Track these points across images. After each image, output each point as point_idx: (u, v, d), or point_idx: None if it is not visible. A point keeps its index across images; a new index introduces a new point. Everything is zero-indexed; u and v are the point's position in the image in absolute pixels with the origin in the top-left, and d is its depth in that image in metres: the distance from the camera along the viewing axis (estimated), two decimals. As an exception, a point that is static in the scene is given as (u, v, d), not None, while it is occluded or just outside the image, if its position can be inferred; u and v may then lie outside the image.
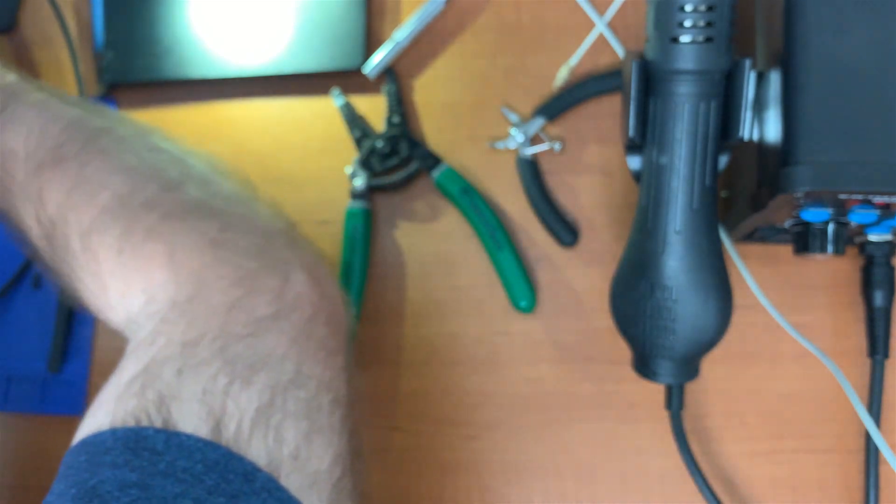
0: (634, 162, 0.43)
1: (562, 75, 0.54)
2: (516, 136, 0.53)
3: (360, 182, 0.54)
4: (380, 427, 0.53)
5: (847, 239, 0.42)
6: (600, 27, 0.52)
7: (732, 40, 0.39)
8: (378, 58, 0.55)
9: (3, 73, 0.41)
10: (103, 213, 0.35)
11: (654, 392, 0.50)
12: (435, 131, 0.56)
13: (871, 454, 0.48)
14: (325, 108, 0.57)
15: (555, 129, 0.54)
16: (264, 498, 0.28)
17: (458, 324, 0.54)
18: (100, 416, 0.30)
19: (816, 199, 0.39)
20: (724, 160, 0.42)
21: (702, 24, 0.38)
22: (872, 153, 0.37)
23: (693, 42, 0.38)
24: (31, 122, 0.38)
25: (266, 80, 0.57)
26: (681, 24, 0.38)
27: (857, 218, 0.41)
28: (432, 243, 0.55)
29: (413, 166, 0.55)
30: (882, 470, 0.48)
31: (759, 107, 0.41)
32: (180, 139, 0.41)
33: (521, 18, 0.56)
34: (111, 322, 0.37)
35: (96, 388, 0.56)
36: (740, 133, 0.40)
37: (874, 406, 0.48)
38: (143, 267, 0.34)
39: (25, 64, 0.60)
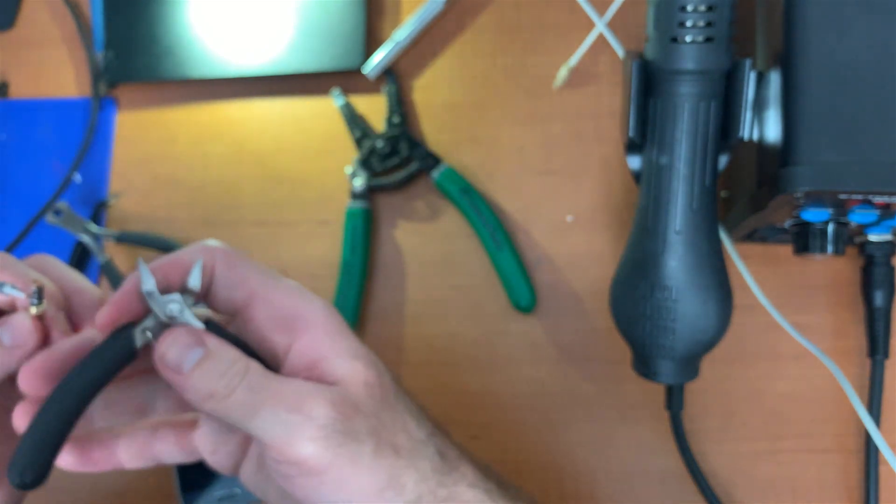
0: (634, 162, 0.43)
1: (562, 75, 0.54)
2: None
3: (360, 182, 0.54)
4: (380, 427, 0.53)
5: (847, 239, 0.42)
6: (600, 27, 0.52)
7: (732, 40, 0.39)
8: (378, 58, 0.55)
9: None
10: None
11: (654, 392, 0.50)
12: (435, 131, 0.56)
13: (871, 454, 0.48)
14: (325, 108, 0.57)
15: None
16: None
17: (458, 324, 0.54)
18: None
19: (816, 199, 0.39)
20: (724, 160, 0.42)
21: (702, 24, 0.38)
22: (872, 153, 0.37)
23: (693, 42, 0.38)
24: None
25: (266, 80, 0.57)
26: (681, 24, 0.38)
27: (857, 218, 0.41)
28: (432, 243, 0.55)
29: (413, 166, 0.55)
30: (882, 470, 0.48)
31: (759, 107, 0.41)
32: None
33: (521, 18, 0.56)
34: None
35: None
36: (740, 133, 0.40)
37: (874, 406, 0.48)
38: None
39: (25, 63, 0.60)
